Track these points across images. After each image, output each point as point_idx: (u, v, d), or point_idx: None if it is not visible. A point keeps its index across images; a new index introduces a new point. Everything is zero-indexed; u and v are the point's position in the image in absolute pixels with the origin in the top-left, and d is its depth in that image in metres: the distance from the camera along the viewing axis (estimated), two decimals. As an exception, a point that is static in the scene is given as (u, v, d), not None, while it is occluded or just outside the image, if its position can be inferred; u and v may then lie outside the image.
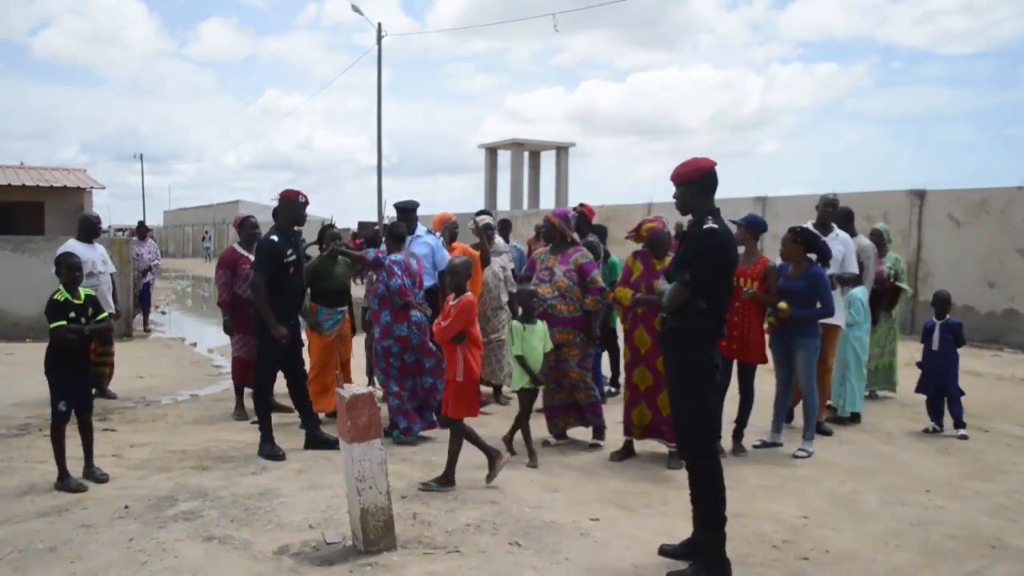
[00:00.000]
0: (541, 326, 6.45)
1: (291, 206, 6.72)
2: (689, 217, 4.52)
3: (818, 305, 6.62)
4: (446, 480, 5.70)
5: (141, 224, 17.32)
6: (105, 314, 6.07)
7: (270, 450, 6.46)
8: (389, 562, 4.39)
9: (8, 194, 21.96)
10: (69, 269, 5.86)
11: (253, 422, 6.89)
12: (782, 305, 6.54)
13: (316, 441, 6.74)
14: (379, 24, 31.47)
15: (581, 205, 8.45)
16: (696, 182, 4.41)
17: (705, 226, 4.31)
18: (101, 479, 5.84)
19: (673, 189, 4.51)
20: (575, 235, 7.05)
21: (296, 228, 6.82)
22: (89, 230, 8.92)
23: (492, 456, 5.79)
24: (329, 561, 4.42)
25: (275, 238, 6.60)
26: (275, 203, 6.85)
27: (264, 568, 4.34)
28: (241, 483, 5.78)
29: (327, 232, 7.88)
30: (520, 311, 6.56)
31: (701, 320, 4.34)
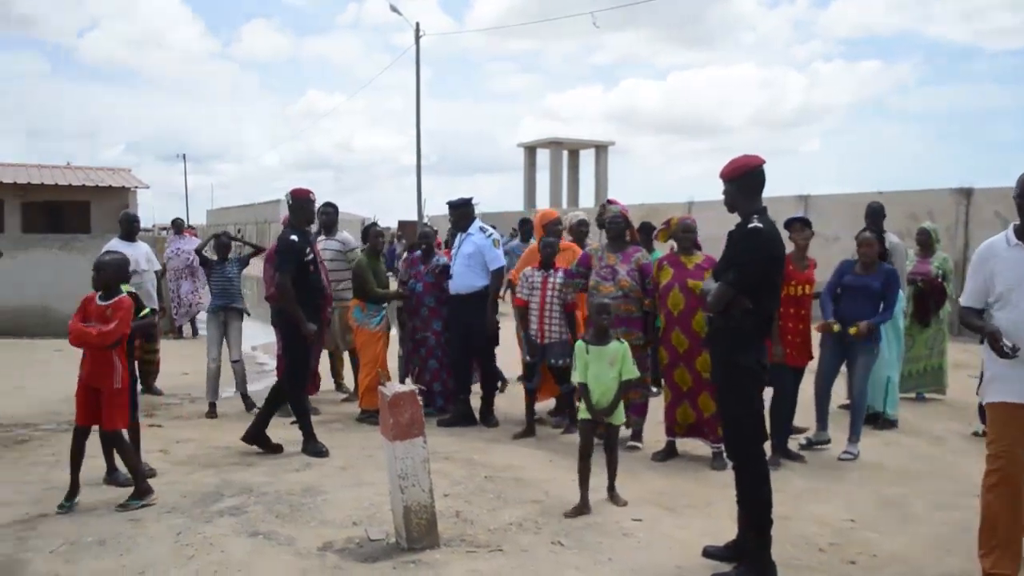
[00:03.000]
0: (615, 348, 5.43)
1: (303, 204, 6.77)
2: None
3: (881, 306, 6.51)
4: (140, 492, 5.38)
5: (177, 220, 15.12)
6: (147, 310, 6.14)
7: (314, 447, 6.50)
8: (432, 560, 4.40)
9: (56, 193, 22.36)
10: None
11: (293, 422, 6.93)
12: (853, 330, 6.44)
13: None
14: (417, 24, 31.69)
15: (609, 201, 8.40)
16: (738, 180, 4.39)
17: (749, 225, 4.28)
18: (148, 474, 5.91)
19: (721, 187, 4.50)
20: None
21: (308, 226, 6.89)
22: (130, 228, 9.06)
23: (142, 488, 5.39)
24: (373, 558, 4.44)
25: (295, 237, 6.62)
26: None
27: (308, 564, 4.37)
28: (285, 479, 5.83)
29: (371, 231, 7.97)
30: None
31: (747, 320, 4.30)
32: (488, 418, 7.63)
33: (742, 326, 4.31)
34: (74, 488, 5.31)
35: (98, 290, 5.47)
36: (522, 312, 7.32)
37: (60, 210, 22.73)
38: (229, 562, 4.39)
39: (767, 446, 4.66)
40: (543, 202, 40.27)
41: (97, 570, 4.30)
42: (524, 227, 11.14)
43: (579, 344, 5.53)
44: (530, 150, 43.61)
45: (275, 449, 6.56)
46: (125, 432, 5.52)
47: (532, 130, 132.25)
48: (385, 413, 4.64)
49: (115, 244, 8.55)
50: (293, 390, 6.76)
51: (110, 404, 5.38)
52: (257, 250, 8.99)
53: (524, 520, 5.04)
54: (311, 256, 6.70)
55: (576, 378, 5.47)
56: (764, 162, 4.42)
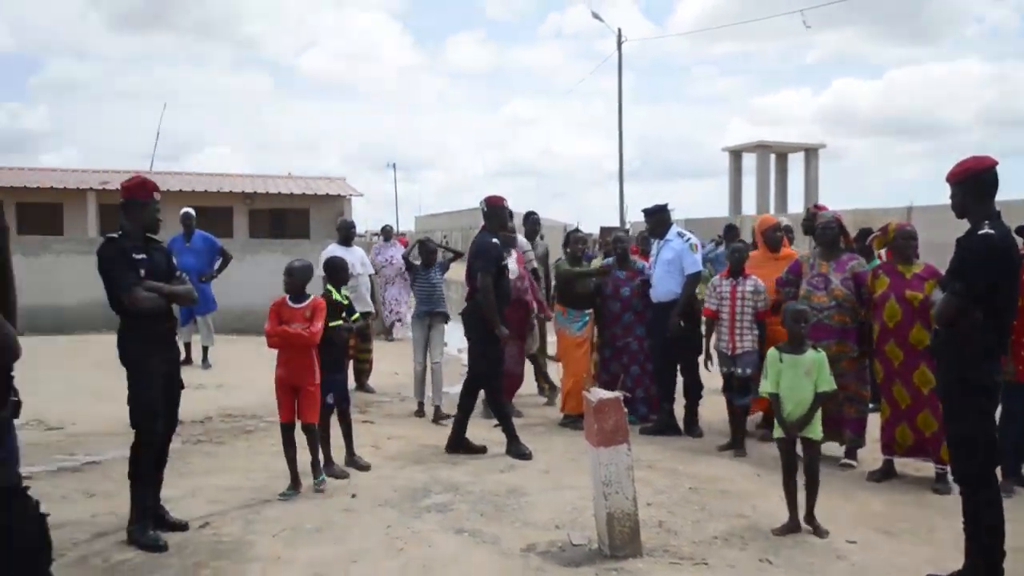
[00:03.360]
0: (812, 357, 5.02)
1: (496, 211, 6.94)
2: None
3: None
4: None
5: (386, 227, 15.89)
6: (357, 315, 6.47)
7: (517, 449, 6.59)
8: (635, 568, 4.36)
9: (279, 201, 23.97)
10: (339, 271, 6.37)
11: (495, 425, 7.06)
12: None
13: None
14: (619, 30, 31.76)
15: (816, 207, 8.06)
16: (967, 183, 4.11)
17: (979, 231, 3.99)
18: (364, 467, 6.22)
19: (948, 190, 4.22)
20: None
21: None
22: (347, 234, 9.53)
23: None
24: (575, 563, 4.45)
25: (495, 240, 6.79)
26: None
27: (512, 564, 4.43)
28: (489, 480, 5.95)
29: (572, 237, 8.03)
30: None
31: (977, 333, 4.00)
32: (692, 428, 7.49)
33: (972, 340, 4.02)
34: (294, 479, 5.64)
35: (290, 293, 5.73)
36: (711, 322, 7.14)
37: (283, 217, 24.31)
38: (436, 557, 4.51)
39: (998, 471, 4.31)
40: (749, 208, 39.31)
41: (314, 555, 4.54)
42: (729, 233, 10.88)
43: (772, 352, 5.16)
44: (736, 154, 42.75)
45: (479, 451, 6.70)
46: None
47: (738, 134, 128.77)
48: (590, 419, 4.64)
49: (333, 249, 9.00)
50: (491, 393, 6.89)
51: (309, 400, 5.70)
52: (456, 255, 9.22)
53: (730, 534, 4.91)
54: (505, 262, 6.87)
55: (766, 388, 5.11)
56: (996, 163, 4.12)
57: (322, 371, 5.94)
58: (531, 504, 5.39)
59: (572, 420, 7.58)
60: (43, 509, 2.64)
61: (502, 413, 6.80)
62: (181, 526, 4.89)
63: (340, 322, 6.09)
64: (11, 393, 2.55)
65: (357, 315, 6.44)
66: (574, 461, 6.29)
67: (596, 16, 32.09)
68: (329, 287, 6.25)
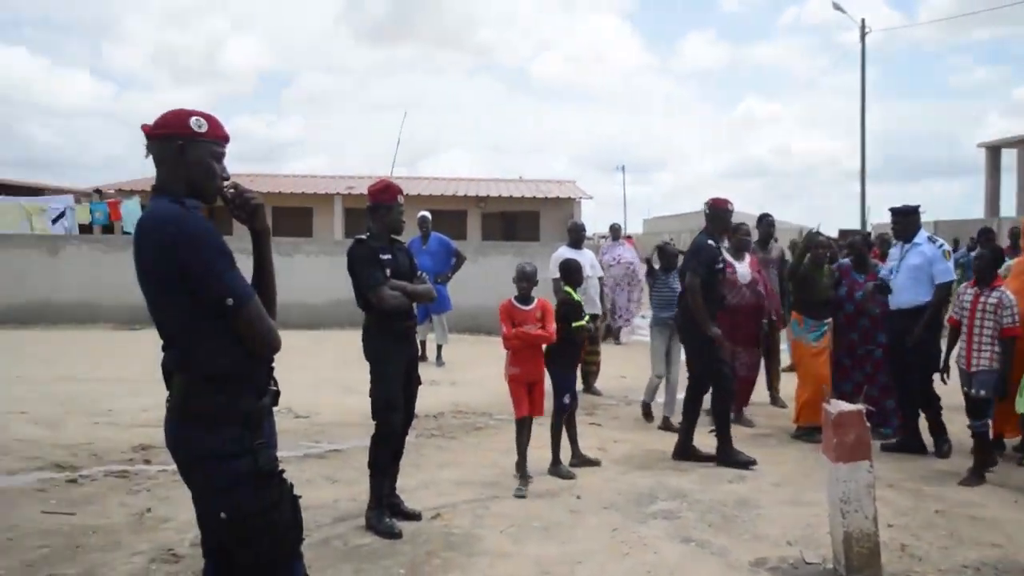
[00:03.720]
0: None
1: (719, 214, 6.81)
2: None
3: None
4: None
5: (614, 225, 15.35)
6: (587, 316, 6.52)
7: (731, 456, 6.44)
8: (874, 593, 4.11)
9: (510, 204, 24.60)
10: (575, 273, 6.51)
11: (711, 431, 6.86)
12: None
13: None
14: (862, 20, 30.37)
15: None
16: None
17: None
18: (594, 462, 6.35)
19: None
20: None
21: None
22: (577, 237, 9.61)
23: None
24: (808, 582, 4.26)
25: (711, 242, 6.67)
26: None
27: (740, 578, 4.30)
28: (718, 489, 5.81)
29: (813, 240, 7.64)
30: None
31: None
32: (940, 446, 6.92)
33: None
34: (523, 475, 5.76)
35: (524, 295, 5.92)
36: (954, 333, 6.51)
37: (514, 219, 24.95)
38: (662, 564, 4.46)
39: None
40: (1008, 209, 36.13)
41: (540, 554, 4.60)
42: (984, 237, 10.10)
43: None
44: (993, 150, 39.43)
45: (707, 459, 6.55)
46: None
47: (996, 128, 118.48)
48: (828, 432, 4.41)
49: (563, 251, 9.08)
50: (720, 394, 6.69)
51: (541, 395, 5.97)
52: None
53: (982, 564, 4.52)
54: (721, 265, 6.76)
55: (1020, 406, 4.67)
56: None
57: (558, 370, 6.11)
58: (761, 517, 5.22)
59: (806, 433, 7.24)
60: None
61: (722, 419, 6.61)
62: (415, 516, 5.10)
63: (582, 323, 6.19)
64: (272, 383, 2.75)
65: (587, 317, 6.51)
66: (808, 476, 6.02)
67: (838, 7, 30.63)
68: (567, 288, 6.37)
